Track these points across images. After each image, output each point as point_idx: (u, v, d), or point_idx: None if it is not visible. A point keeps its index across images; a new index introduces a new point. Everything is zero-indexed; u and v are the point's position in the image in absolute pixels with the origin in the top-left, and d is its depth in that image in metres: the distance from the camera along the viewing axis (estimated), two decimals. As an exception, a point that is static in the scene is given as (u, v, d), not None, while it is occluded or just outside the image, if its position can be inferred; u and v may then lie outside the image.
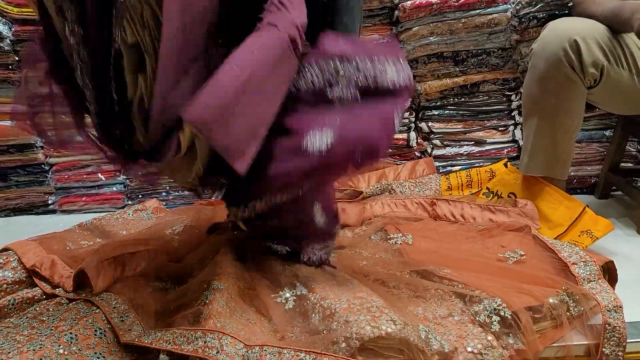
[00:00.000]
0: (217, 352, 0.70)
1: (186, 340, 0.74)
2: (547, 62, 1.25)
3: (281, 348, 0.72)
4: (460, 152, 1.79)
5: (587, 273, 1.03)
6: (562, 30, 1.24)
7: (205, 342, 0.72)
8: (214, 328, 0.75)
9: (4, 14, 1.58)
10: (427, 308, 0.96)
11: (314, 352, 0.71)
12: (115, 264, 1.06)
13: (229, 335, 0.73)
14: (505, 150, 1.78)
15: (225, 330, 0.75)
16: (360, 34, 1.55)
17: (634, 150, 1.74)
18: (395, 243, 1.25)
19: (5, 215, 1.80)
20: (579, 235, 1.29)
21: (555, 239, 1.27)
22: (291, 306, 0.89)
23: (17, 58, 1.64)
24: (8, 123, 1.69)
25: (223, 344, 0.72)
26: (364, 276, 1.06)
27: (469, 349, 0.83)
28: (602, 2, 1.32)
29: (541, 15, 1.60)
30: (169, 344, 0.75)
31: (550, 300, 0.93)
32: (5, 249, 1.14)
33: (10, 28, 1.61)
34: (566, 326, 0.92)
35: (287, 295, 0.94)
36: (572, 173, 1.72)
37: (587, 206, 1.34)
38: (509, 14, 1.60)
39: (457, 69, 1.71)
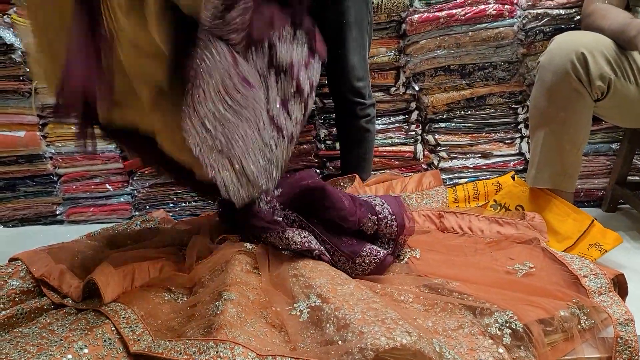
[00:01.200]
0: (230, 361, 0.70)
1: (198, 351, 0.74)
2: (555, 75, 1.26)
3: (294, 358, 0.71)
4: (467, 164, 1.79)
5: (598, 286, 1.02)
6: (569, 43, 1.25)
7: (217, 352, 0.71)
8: (226, 338, 0.75)
9: (16, 25, 1.60)
10: (437, 321, 0.95)
11: (326, 363, 0.71)
12: (124, 275, 1.06)
13: (241, 345, 0.73)
14: (512, 163, 1.78)
15: (237, 340, 0.75)
16: (370, 47, 1.57)
17: (641, 163, 1.74)
18: (404, 257, 1.25)
19: (14, 226, 1.81)
20: (588, 248, 1.28)
21: (563, 251, 1.26)
22: (306, 318, 0.89)
23: (27, 69, 1.66)
24: (19, 133, 1.70)
25: (235, 354, 0.71)
26: (372, 290, 1.06)
27: (480, 362, 0.83)
28: (609, 17, 1.33)
29: (547, 29, 1.62)
30: (180, 354, 0.75)
31: (561, 313, 0.92)
32: (14, 259, 1.14)
33: (21, 40, 1.63)
34: (577, 339, 0.91)
35: (302, 307, 0.94)
36: (580, 186, 1.72)
37: (595, 219, 1.34)
38: (515, 27, 1.62)
39: (464, 82, 1.72)
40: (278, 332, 0.87)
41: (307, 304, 0.94)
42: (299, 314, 0.91)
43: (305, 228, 1.18)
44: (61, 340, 0.87)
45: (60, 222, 1.80)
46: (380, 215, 1.17)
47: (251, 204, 1.18)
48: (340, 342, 0.77)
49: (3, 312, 1.02)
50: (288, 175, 1.28)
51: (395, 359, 0.75)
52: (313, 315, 0.90)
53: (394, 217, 1.18)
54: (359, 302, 0.90)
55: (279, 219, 1.16)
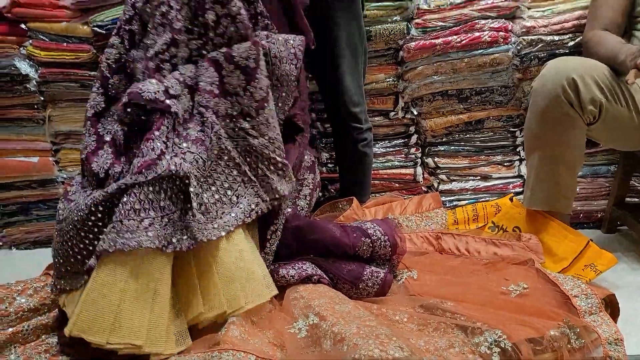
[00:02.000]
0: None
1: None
2: (547, 99, 1.30)
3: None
4: (466, 187, 1.82)
5: (589, 306, 1.04)
6: (560, 68, 1.29)
7: (220, 358, 0.76)
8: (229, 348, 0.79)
9: (32, 57, 1.69)
10: (429, 341, 0.98)
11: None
12: None
13: (242, 351, 0.78)
14: (511, 185, 1.81)
15: (237, 347, 0.79)
16: (365, 74, 1.63)
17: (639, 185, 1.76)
18: (401, 278, 1.28)
19: (26, 248, 1.87)
20: (583, 269, 1.30)
21: (559, 272, 1.28)
22: (304, 335, 0.93)
23: (42, 98, 1.73)
24: (33, 159, 1.77)
25: (238, 358, 0.76)
26: (369, 310, 1.09)
27: (469, 380, 0.85)
28: (603, 43, 1.38)
29: (542, 55, 1.66)
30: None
31: (551, 333, 0.94)
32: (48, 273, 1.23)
33: (36, 70, 1.71)
34: (567, 358, 0.93)
35: (301, 325, 0.98)
36: (579, 208, 1.74)
37: (592, 240, 1.36)
38: (510, 53, 1.66)
39: (462, 106, 1.77)
40: (280, 351, 0.91)
41: (305, 323, 0.98)
42: (297, 331, 0.95)
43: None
44: None
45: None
46: (373, 237, 1.22)
47: None
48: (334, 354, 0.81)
49: (10, 329, 1.07)
50: None
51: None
52: (312, 333, 0.94)
53: (387, 237, 1.23)
54: (355, 319, 0.95)
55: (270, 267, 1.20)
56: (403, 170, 1.83)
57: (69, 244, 1.03)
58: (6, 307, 1.11)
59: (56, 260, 1.08)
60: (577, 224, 1.73)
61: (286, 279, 1.15)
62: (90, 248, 1.01)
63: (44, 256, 1.82)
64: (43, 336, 1.12)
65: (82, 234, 1.02)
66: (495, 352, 0.90)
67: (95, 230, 1.02)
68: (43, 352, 1.05)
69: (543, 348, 0.93)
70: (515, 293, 1.14)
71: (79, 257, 1.03)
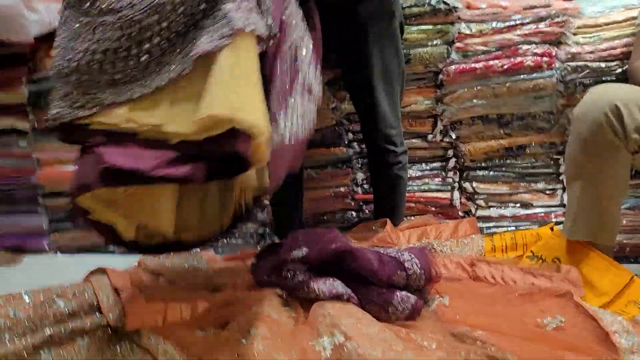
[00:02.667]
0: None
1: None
2: (589, 127, 1.26)
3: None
4: (505, 213, 1.78)
5: (630, 343, 0.99)
6: (603, 95, 1.26)
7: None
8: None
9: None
10: (456, 369, 0.95)
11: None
12: (155, 310, 1.15)
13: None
14: (553, 214, 1.76)
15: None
16: (402, 96, 1.63)
17: (691, 218, 1.67)
18: (432, 304, 1.26)
19: (71, 254, 1.95)
20: (626, 305, 1.24)
21: (600, 307, 1.23)
22: (328, 355, 0.92)
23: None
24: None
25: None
26: (397, 334, 1.07)
27: (497, 414, 0.83)
28: None
29: (588, 82, 1.62)
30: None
31: (587, 370, 0.90)
32: (101, 270, 1.30)
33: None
34: (604, 399, 0.88)
35: (326, 343, 0.97)
36: (624, 241, 1.67)
37: (637, 275, 1.29)
38: (554, 79, 1.63)
39: (502, 131, 1.74)
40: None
41: (330, 341, 0.97)
42: (322, 349, 0.95)
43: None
44: None
45: (112, 252, 1.92)
46: (409, 272, 1.20)
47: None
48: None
49: (48, 331, 1.11)
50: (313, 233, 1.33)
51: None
52: (336, 353, 0.94)
53: (423, 271, 1.20)
54: (382, 343, 0.94)
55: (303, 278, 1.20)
56: (440, 194, 1.81)
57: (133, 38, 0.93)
58: (45, 310, 1.16)
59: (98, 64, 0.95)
60: (622, 258, 1.66)
61: (316, 293, 1.14)
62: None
63: (87, 262, 1.88)
64: (78, 340, 1.16)
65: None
66: (526, 386, 0.87)
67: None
68: (75, 347, 1.08)
69: (578, 386, 0.89)
70: (551, 326, 1.10)
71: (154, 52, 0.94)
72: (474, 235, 1.69)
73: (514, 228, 1.77)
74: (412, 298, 1.19)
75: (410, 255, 1.24)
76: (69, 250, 1.96)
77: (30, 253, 1.94)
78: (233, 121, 0.81)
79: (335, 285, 1.18)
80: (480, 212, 1.80)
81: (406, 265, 1.21)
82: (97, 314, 1.20)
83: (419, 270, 1.20)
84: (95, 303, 1.21)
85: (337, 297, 1.17)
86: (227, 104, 0.82)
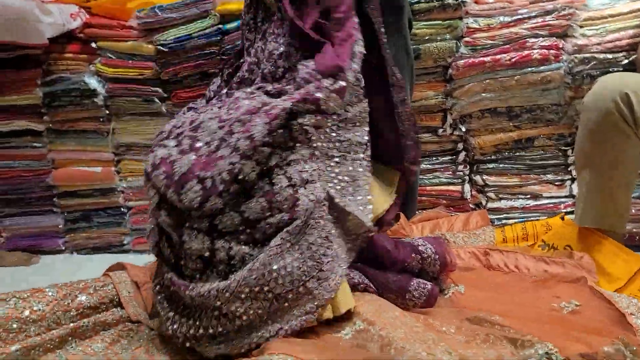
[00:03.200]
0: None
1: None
2: (599, 116, 1.28)
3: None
4: (516, 205, 1.80)
5: (646, 325, 1.01)
6: (612, 83, 1.28)
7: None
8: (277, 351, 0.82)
9: (100, 74, 1.81)
10: (478, 352, 0.96)
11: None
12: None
13: (292, 356, 0.79)
14: (563, 205, 1.78)
15: (288, 352, 0.81)
16: (412, 91, 1.66)
17: (701, 206, 1.69)
18: (447, 292, 1.27)
19: (86, 253, 1.98)
20: (639, 290, 1.26)
21: (612, 292, 1.25)
22: (349, 337, 0.94)
23: (107, 112, 1.85)
24: (96, 169, 1.89)
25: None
26: (415, 318, 1.09)
27: (519, 392, 0.84)
28: None
29: (595, 73, 1.64)
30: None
31: (605, 349, 0.92)
32: (121, 266, 1.31)
33: (103, 86, 1.83)
34: (621, 376, 0.90)
35: (347, 330, 0.98)
36: (635, 230, 1.68)
37: (649, 262, 1.31)
38: (562, 71, 1.65)
39: (511, 124, 1.76)
40: (325, 353, 0.92)
41: (352, 329, 0.99)
42: (343, 335, 0.96)
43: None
44: None
45: (127, 251, 1.94)
46: (424, 255, 1.21)
47: None
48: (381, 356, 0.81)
49: (72, 324, 1.13)
50: None
51: (435, 376, 0.78)
52: (358, 337, 0.95)
53: (437, 256, 1.22)
54: (403, 326, 0.95)
55: None
56: (451, 187, 1.83)
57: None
58: (68, 303, 1.17)
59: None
60: (632, 247, 1.66)
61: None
62: None
63: (103, 261, 1.91)
64: (102, 333, 1.18)
65: None
66: (546, 365, 0.88)
67: None
68: (100, 341, 1.09)
69: (596, 364, 0.91)
70: (567, 310, 1.11)
71: None
72: (485, 227, 1.71)
73: (523, 219, 1.79)
74: (429, 284, 1.20)
75: (424, 242, 1.26)
76: (85, 250, 1.98)
77: (47, 253, 1.97)
78: None
79: (352, 275, 1.19)
80: (490, 204, 1.82)
81: (420, 248, 1.23)
82: (117, 308, 1.22)
83: (433, 255, 1.22)
84: (116, 297, 1.24)
85: (354, 287, 1.18)
86: None
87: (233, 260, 0.96)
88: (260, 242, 0.98)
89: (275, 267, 0.92)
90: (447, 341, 0.95)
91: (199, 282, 0.97)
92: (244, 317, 0.92)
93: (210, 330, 0.94)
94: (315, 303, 0.97)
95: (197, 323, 0.95)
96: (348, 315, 1.05)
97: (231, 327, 0.93)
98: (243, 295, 0.91)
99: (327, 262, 1.01)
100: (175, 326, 0.99)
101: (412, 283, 1.20)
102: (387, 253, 1.19)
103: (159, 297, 1.07)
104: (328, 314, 0.99)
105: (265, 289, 0.92)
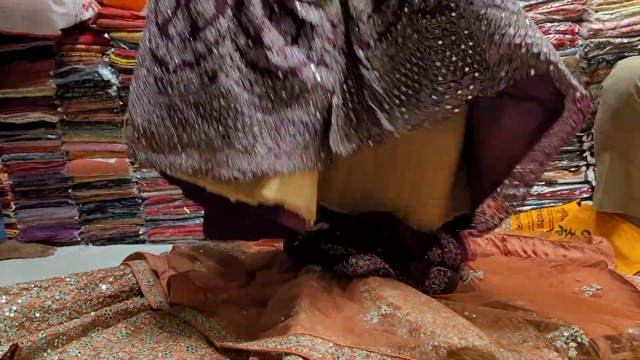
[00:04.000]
0: (309, 350, 0.76)
1: (279, 344, 0.81)
2: (619, 98, 1.27)
3: (369, 351, 0.77)
4: (530, 191, 1.79)
5: (668, 306, 1.01)
6: (632, 66, 1.27)
7: (297, 341, 0.78)
8: (304, 332, 0.82)
9: (113, 64, 1.81)
10: (502, 335, 0.97)
11: (400, 357, 0.76)
12: (196, 289, 1.18)
13: (319, 337, 0.80)
14: (578, 191, 1.77)
15: (314, 333, 0.81)
16: None
17: None
18: (467, 278, 1.28)
19: (101, 244, 1.98)
20: (659, 273, 1.26)
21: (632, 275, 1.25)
22: (375, 321, 0.94)
23: (121, 103, 1.85)
24: (110, 160, 1.89)
25: (314, 343, 0.78)
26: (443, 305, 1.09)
27: (546, 373, 0.84)
28: None
29: (610, 58, 1.63)
30: (262, 347, 0.83)
31: (630, 331, 0.92)
32: (139, 255, 1.33)
33: (117, 77, 1.83)
34: (647, 357, 0.90)
35: (373, 315, 0.98)
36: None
37: (667, 246, 1.31)
38: (577, 56, 1.64)
39: (526, 110, 1.75)
40: (352, 336, 0.93)
41: (378, 313, 0.98)
42: (369, 319, 0.96)
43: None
44: (149, 350, 0.96)
45: (142, 241, 1.95)
46: (445, 249, 1.21)
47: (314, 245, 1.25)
48: (412, 343, 0.81)
49: (93, 312, 1.14)
50: None
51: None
52: (384, 322, 0.95)
53: (459, 251, 1.22)
54: (430, 310, 0.95)
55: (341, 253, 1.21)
56: (465, 174, 1.82)
57: None
58: (89, 292, 1.18)
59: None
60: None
61: (354, 268, 1.16)
62: None
63: (118, 252, 1.92)
64: (124, 320, 1.19)
65: None
66: (572, 346, 0.89)
67: None
68: (123, 329, 1.10)
69: (621, 346, 0.91)
70: (588, 294, 1.12)
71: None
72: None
73: (538, 206, 1.78)
74: (449, 272, 1.20)
75: (447, 235, 1.25)
76: (100, 241, 1.99)
77: (62, 244, 1.98)
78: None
79: (373, 260, 1.19)
80: (505, 192, 1.81)
81: (443, 242, 1.22)
82: (137, 296, 1.23)
83: (454, 250, 1.21)
84: (136, 286, 1.25)
85: (375, 272, 1.18)
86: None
87: None
88: None
89: None
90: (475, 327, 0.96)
91: None
92: None
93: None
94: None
95: None
96: (372, 299, 1.05)
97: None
98: None
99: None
100: None
101: (432, 270, 1.20)
102: (410, 238, 1.20)
103: None
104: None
105: None
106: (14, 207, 1.96)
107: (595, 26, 1.63)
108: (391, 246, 1.21)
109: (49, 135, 1.91)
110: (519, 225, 1.65)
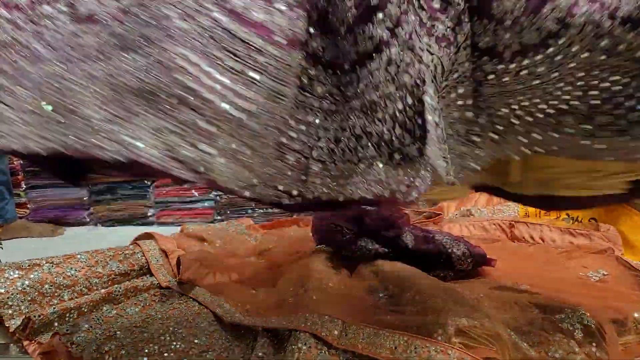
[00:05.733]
0: (319, 328, 0.77)
1: (288, 322, 0.82)
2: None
3: (377, 329, 0.78)
4: (538, 179, 1.79)
5: (674, 292, 1.01)
6: None
7: (306, 319, 0.80)
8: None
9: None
10: (508, 317, 0.98)
11: (407, 334, 0.77)
12: (206, 269, 1.20)
13: (328, 315, 0.81)
14: (586, 180, 1.76)
15: (322, 312, 0.82)
16: None
17: None
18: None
19: (110, 225, 2.01)
20: (666, 261, 1.26)
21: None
22: (384, 301, 0.95)
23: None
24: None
25: (323, 321, 0.79)
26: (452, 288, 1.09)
27: (550, 354, 0.85)
28: None
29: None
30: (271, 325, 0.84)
31: (635, 315, 0.92)
32: (149, 236, 1.35)
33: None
34: (652, 342, 0.91)
35: (380, 294, 0.99)
36: (659, 204, 1.67)
37: (675, 234, 1.31)
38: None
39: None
40: (358, 314, 0.94)
41: (385, 293, 0.99)
42: (377, 299, 0.97)
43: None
44: (160, 324, 0.96)
45: (151, 223, 1.97)
46: (452, 256, 1.19)
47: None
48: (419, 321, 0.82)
49: (103, 290, 1.16)
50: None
51: (471, 339, 0.79)
52: (392, 301, 0.96)
53: (470, 259, 1.20)
54: (438, 291, 0.96)
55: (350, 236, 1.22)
56: (473, 162, 1.82)
57: None
58: (100, 270, 1.21)
59: None
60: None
61: (362, 251, 1.17)
62: None
63: (127, 233, 1.95)
64: (133, 297, 1.21)
65: None
66: (578, 328, 0.89)
67: None
68: (134, 305, 1.12)
69: (627, 329, 0.91)
70: (595, 279, 1.12)
71: None
72: (509, 203, 1.71)
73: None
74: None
75: (454, 241, 1.23)
76: (109, 222, 2.01)
77: (72, 225, 2.00)
78: None
79: (383, 247, 1.20)
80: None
81: (446, 246, 1.20)
82: (147, 275, 1.25)
83: (465, 252, 1.19)
84: (145, 265, 1.26)
85: (384, 256, 1.19)
86: None
87: None
88: None
89: None
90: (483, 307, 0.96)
91: None
92: None
93: None
94: None
95: None
96: (380, 279, 1.06)
97: None
98: None
99: None
100: None
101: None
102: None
103: None
104: None
105: None
106: (24, 186, 1.98)
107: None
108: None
109: (59, 117, 1.92)
110: (526, 213, 1.65)
